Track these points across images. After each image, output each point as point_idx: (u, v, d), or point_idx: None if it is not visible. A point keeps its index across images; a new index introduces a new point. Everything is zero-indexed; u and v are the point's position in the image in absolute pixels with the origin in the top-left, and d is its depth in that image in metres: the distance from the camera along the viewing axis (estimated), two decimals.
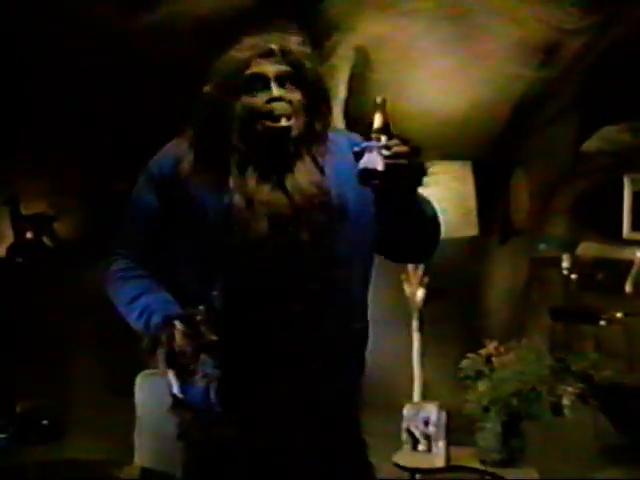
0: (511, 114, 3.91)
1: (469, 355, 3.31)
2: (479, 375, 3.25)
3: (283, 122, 1.96)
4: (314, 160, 2.01)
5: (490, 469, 3.30)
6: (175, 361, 1.87)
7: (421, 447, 3.42)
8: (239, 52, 2.00)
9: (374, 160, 1.84)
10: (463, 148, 3.75)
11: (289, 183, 1.98)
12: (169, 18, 3.95)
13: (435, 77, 3.72)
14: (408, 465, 3.37)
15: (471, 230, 3.52)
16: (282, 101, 1.97)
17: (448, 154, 3.55)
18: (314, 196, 1.97)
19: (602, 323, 4.67)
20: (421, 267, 3.56)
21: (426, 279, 3.56)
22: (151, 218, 2.05)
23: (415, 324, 3.61)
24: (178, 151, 2.05)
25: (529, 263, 4.34)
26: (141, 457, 3.13)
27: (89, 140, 4.42)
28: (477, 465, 3.33)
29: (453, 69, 3.71)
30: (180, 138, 2.09)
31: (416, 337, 3.62)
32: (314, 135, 2.01)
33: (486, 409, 3.22)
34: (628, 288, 4.92)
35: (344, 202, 1.99)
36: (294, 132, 1.97)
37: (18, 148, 4.53)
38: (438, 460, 3.33)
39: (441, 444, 3.34)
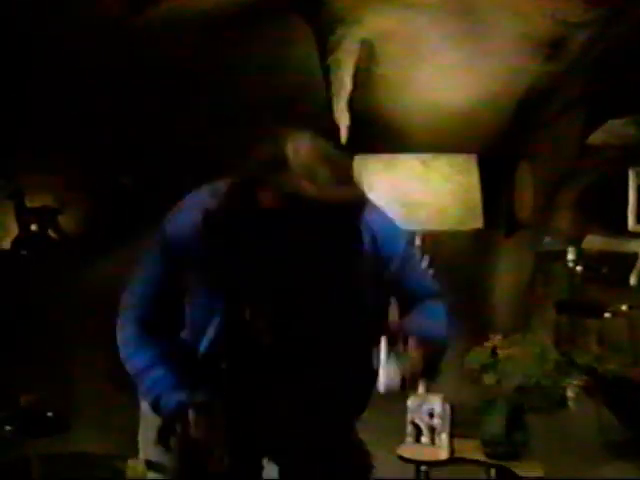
0: (517, 108, 3.91)
1: (474, 348, 3.31)
2: (484, 368, 3.25)
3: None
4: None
5: (494, 462, 3.31)
6: (189, 452, 1.93)
7: (425, 439, 3.42)
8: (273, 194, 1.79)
9: (393, 379, 1.87)
10: (468, 141, 3.75)
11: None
12: (171, 14, 3.95)
13: (441, 71, 3.72)
14: (412, 457, 3.37)
15: (476, 223, 3.51)
16: None
17: (453, 147, 3.55)
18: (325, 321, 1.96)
19: (607, 316, 4.67)
20: (426, 259, 3.55)
21: (431, 272, 3.56)
22: (164, 282, 2.04)
23: None
24: (195, 214, 1.95)
25: (534, 257, 4.33)
26: (145, 452, 3.13)
27: (92, 134, 4.43)
28: (481, 458, 3.33)
29: (459, 63, 3.70)
30: (197, 197, 2.02)
31: None
32: None
33: (490, 402, 3.23)
34: (633, 281, 4.92)
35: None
36: None
37: (21, 142, 4.53)
38: (442, 452, 3.33)
39: (445, 436, 3.34)
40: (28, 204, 4.78)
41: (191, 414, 1.90)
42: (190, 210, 1.98)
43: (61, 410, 3.72)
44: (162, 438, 1.98)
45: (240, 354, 2.00)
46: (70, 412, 3.77)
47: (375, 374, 1.95)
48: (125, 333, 2.10)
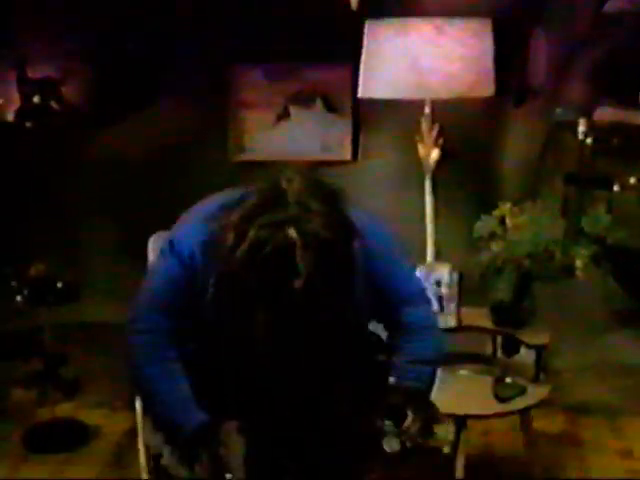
0: None
1: (483, 216, 3.29)
2: (492, 236, 3.24)
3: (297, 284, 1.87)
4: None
5: (501, 329, 3.34)
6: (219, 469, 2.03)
7: (433, 308, 3.44)
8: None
9: (392, 445, 2.12)
10: (483, 5, 3.66)
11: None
12: None
13: None
14: None
15: (487, 90, 3.44)
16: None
17: (467, 11, 3.46)
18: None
19: (616, 189, 4.63)
20: (436, 127, 3.50)
21: (441, 140, 3.52)
22: (176, 290, 2.11)
23: (428, 186, 3.58)
24: (202, 230, 2.06)
25: (544, 127, 4.27)
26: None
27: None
28: (488, 325, 3.36)
29: None
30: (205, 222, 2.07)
31: (429, 199, 3.60)
32: None
33: (499, 270, 3.23)
34: None
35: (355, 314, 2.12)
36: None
37: (21, 8, 4.43)
38: (450, 320, 3.36)
39: (453, 305, 3.37)
40: (30, 75, 4.70)
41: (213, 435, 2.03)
42: (196, 228, 2.10)
43: (71, 280, 3.73)
44: (189, 460, 2.08)
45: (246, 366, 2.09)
46: (80, 282, 3.78)
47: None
48: (140, 341, 2.13)
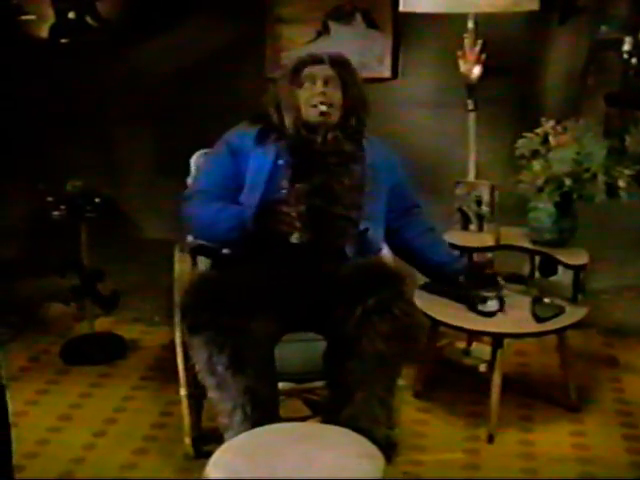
0: None
1: (525, 134, 3.23)
2: (535, 154, 3.19)
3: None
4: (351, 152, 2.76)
5: (540, 248, 3.31)
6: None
7: (472, 227, 3.43)
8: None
9: (493, 305, 3.00)
10: None
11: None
12: None
13: None
14: (459, 244, 3.38)
15: (531, 4, 3.35)
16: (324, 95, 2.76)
17: None
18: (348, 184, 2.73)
19: None
20: (479, 43, 3.42)
21: (483, 56, 3.44)
22: (224, 170, 2.77)
23: (470, 104, 3.52)
24: (247, 130, 2.81)
25: (588, 45, 4.17)
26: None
27: None
28: (527, 245, 3.33)
29: None
30: (247, 123, 2.84)
31: (471, 117, 3.54)
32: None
33: (540, 189, 3.18)
34: None
35: (375, 183, 2.79)
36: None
37: None
38: (489, 239, 3.33)
39: (492, 224, 3.34)
40: None
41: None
42: (243, 127, 2.84)
43: (108, 195, 3.72)
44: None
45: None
46: (118, 198, 3.78)
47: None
48: (191, 203, 2.76)
